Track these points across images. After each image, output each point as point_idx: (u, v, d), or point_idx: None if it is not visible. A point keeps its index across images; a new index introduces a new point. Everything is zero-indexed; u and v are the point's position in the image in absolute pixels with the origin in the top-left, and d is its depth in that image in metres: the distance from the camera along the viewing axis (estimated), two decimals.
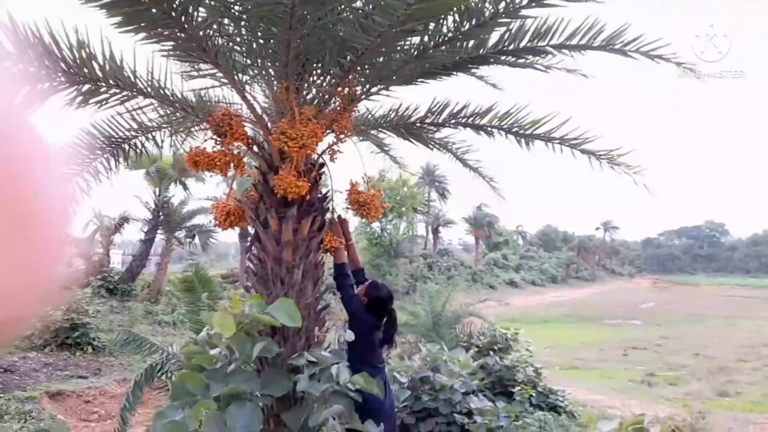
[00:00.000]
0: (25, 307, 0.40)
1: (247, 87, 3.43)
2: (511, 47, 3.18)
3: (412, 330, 10.46)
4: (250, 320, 2.76)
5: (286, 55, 2.98)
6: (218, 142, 3.31)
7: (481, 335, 8.19)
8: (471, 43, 3.16)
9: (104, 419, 8.33)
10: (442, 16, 2.89)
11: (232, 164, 3.36)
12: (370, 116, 4.01)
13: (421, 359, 5.99)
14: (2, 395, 7.98)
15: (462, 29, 2.95)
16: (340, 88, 3.29)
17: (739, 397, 11.72)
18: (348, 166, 3.67)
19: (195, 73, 3.44)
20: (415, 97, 3.77)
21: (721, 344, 19.00)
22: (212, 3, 2.85)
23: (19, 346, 10.38)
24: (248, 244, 3.67)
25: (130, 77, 3.21)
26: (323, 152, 3.42)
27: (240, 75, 3.35)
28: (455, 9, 2.80)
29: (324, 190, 3.58)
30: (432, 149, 4.25)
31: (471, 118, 3.76)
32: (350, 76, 3.24)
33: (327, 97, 3.39)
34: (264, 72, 3.36)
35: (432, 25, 2.95)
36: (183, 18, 2.76)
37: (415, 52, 3.12)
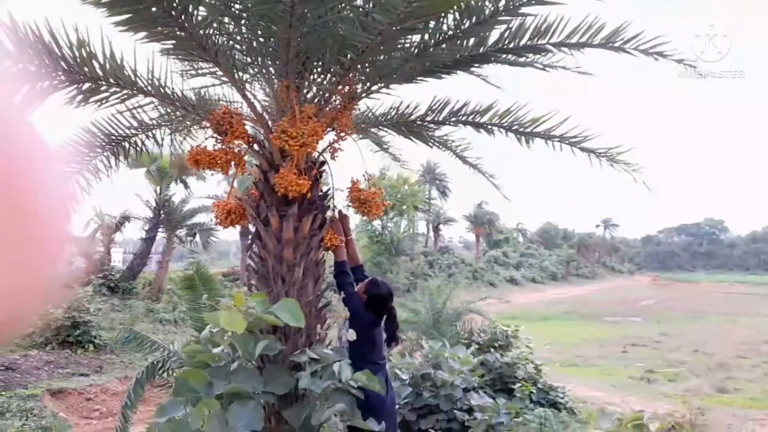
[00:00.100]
0: (26, 306, 0.40)
1: (248, 85, 3.43)
2: (511, 45, 3.18)
3: (412, 327, 10.47)
4: (253, 319, 2.77)
5: (286, 53, 2.98)
6: (219, 141, 3.32)
7: (481, 332, 8.21)
8: (471, 41, 3.16)
9: (105, 417, 8.35)
10: (443, 14, 2.89)
11: (232, 162, 3.36)
12: (370, 114, 4.01)
13: (423, 356, 6.00)
14: (4, 393, 8.00)
15: (462, 27, 2.95)
16: (340, 87, 3.29)
17: (738, 394, 11.74)
18: (349, 164, 3.68)
19: (195, 72, 3.44)
20: (415, 96, 3.77)
21: (721, 341, 19.01)
22: (212, 1, 2.85)
23: (21, 344, 10.39)
24: (249, 242, 3.67)
25: (131, 76, 3.21)
26: (324, 150, 3.42)
27: (240, 73, 3.35)
28: (455, 7, 2.80)
29: (325, 188, 3.59)
30: (432, 147, 4.25)
31: (471, 116, 3.76)
32: (351, 75, 3.24)
33: (327, 95, 3.39)
34: (264, 70, 3.36)
35: (432, 23, 2.95)
36: (183, 17, 2.77)
37: (416, 51, 3.12)
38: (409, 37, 3.06)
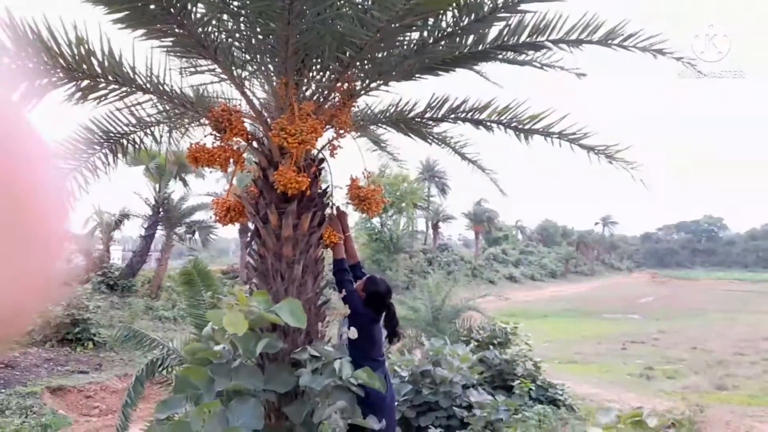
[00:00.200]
0: (25, 304, 0.40)
1: (246, 83, 3.43)
2: (510, 42, 3.18)
3: (412, 325, 10.48)
4: (254, 317, 2.77)
5: (285, 50, 2.97)
6: (218, 138, 3.31)
7: (480, 329, 8.22)
8: (470, 38, 3.16)
9: (105, 414, 8.36)
10: (442, 11, 2.88)
11: (231, 160, 3.36)
12: (369, 111, 4.01)
13: (423, 353, 6.01)
14: (3, 391, 8.01)
15: (461, 24, 2.95)
16: (339, 84, 3.29)
17: (737, 391, 11.76)
18: (348, 161, 3.67)
19: (194, 69, 3.43)
20: (414, 93, 3.77)
21: (719, 338, 19.04)
22: None
23: (20, 341, 10.39)
24: (248, 239, 3.68)
25: (129, 73, 3.21)
26: (323, 147, 3.42)
27: (239, 71, 3.35)
28: (454, 4, 2.80)
29: (324, 186, 3.58)
30: (431, 144, 4.25)
31: (470, 113, 3.75)
32: (349, 72, 3.23)
33: (326, 92, 3.39)
34: (263, 68, 3.35)
35: (431, 21, 2.95)
36: (182, 14, 2.76)
37: (415, 48, 3.11)
38: (408, 34, 3.05)
